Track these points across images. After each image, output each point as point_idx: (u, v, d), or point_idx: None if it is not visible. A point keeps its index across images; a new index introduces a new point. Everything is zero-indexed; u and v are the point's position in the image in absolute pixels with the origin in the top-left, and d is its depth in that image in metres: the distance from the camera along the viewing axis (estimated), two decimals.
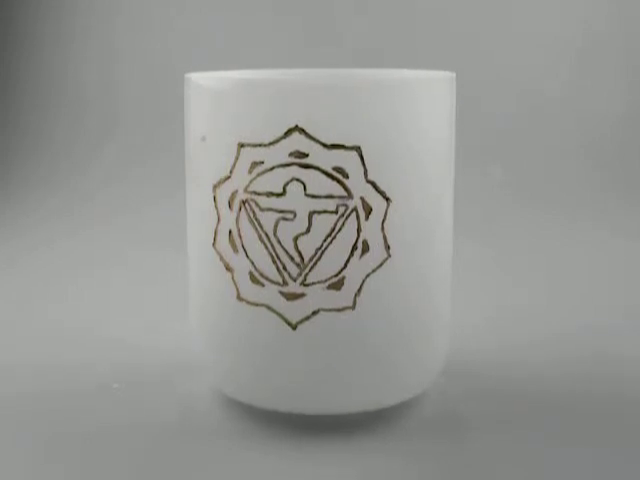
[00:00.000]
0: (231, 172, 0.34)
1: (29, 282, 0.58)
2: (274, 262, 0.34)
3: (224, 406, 0.39)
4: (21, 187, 0.82)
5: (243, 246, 0.34)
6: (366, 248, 0.34)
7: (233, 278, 0.35)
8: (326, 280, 0.34)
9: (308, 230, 0.33)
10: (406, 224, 0.34)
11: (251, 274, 0.34)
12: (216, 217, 0.35)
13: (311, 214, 0.33)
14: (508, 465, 0.34)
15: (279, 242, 0.34)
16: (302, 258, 0.34)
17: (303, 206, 0.33)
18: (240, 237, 0.34)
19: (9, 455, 0.35)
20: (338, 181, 0.33)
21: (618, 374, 0.43)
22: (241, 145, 0.34)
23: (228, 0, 0.87)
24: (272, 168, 0.33)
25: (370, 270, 0.34)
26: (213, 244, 0.35)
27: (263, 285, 0.34)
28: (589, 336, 0.47)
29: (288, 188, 0.33)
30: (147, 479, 0.34)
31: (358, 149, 0.33)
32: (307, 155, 0.33)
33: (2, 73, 0.92)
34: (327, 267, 0.34)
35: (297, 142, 0.33)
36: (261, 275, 0.34)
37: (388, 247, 0.34)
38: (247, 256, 0.34)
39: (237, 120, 0.34)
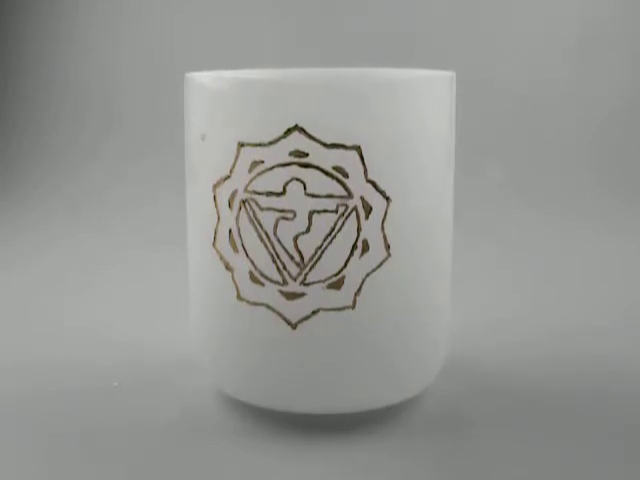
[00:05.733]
0: (231, 171, 0.34)
1: (29, 282, 0.58)
2: (274, 262, 0.34)
3: (224, 405, 0.39)
4: (21, 187, 0.82)
5: (243, 246, 0.34)
6: (366, 248, 0.34)
7: (233, 278, 0.35)
8: (326, 279, 0.34)
9: (308, 229, 0.33)
10: (406, 224, 0.34)
11: (251, 274, 0.34)
12: (216, 217, 0.35)
13: (311, 213, 0.33)
14: (508, 465, 0.34)
15: (279, 241, 0.34)
16: (302, 257, 0.34)
17: (303, 205, 0.33)
18: (240, 237, 0.34)
19: (9, 454, 0.35)
20: (338, 180, 0.33)
21: (618, 373, 0.43)
22: (241, 144, 0.34)
23: (229, 0, 0.87)
24: (272, 167, 0.33)
25: (370, 269, 0.34)
26: (213, 244, 0.35)
27: (263, 285, 0.34)
28: (589, 335, 0.47)
29: (288, 187, 0.33)
30: (147, 478, 0.34)
31: (358, 148, 0.33)
32: (307, 154, 0.33)
33: (2, 73, 0.92)
34: (327, 266, 0.34)
35: (297, 141, 0.33)
36: (261, 275, 0.34)
37: (388, 247, 0.34)
38: (247, 256, 0.34)
39: (237, 119, 0.34)
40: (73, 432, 0.37)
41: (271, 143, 0.33)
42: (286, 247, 0.34)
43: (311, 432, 0.36)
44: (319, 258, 0.34)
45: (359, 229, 0.33)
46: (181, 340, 0.43)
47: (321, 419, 0.37)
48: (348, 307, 0.34)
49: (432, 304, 0.37)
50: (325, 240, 0.33)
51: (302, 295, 0.34)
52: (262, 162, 0.33)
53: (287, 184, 0.33)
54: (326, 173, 0.33)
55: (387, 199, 0.34)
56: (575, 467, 0.34)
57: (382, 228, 0.34)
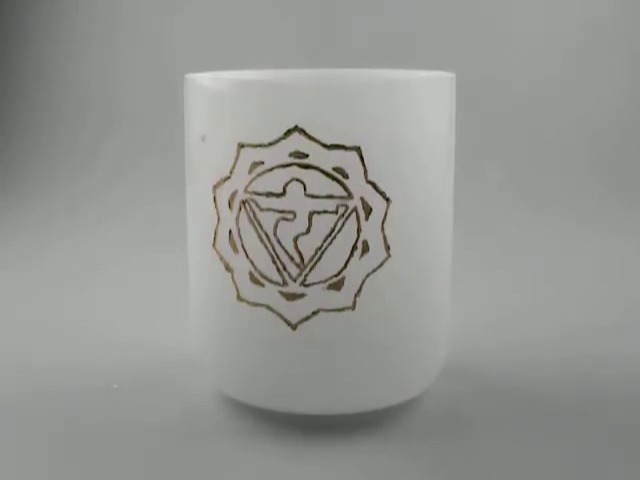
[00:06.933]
0: (231, 172, 0.34)
1: (29, 282, 0.58)
2: (274, 262, 0.34)
3: (224, 406, 0.39)
4: (21, 187, 0.82)
5: (243, 246, 0.34)
6: (366, 248, 0.34)
7: (233, 278, 0.35)
8: (326, 280, 0.34)
9: (308, 230, 0.33)
10: (406, 224, 0.34)
11: (251, 274, 0.34)
12: (216, 217, 0.35)
13: (311, 214, 0.33)
14: (508, 465, 0.34)
15: (279, 242, 0.34)
16: (302, 258, 0.34)
17: (303, 206, 0.33)
18: (240, 237, 0.34)
19: (9, 454, 0.35)
20: (338, 181, 0.33)
21: (618, 373, 0.43)
22: (241, 145, 0.34)
23: (229, 0, 0.87)
24: (272, 168, 0.33)
25: (370, 270, 0.34)
26: (213, 244, 0.35)
27: (263, 285, 0.34)
28: (589, 335, 0.47)
29: (288, 188, 0.33)
30: (147, 478, 0.34)
31: (358, 149, 0.33)
32: (307, 155, 0.33)
33: (2, 73, 0.92)
34: (327, 267, 0.34)
35: (297, 142, 0.33)
36: (261, 275, 0.34)
37: (388, 247, 0.34)
38: (247, 256, 0.34)
39: (237, 120, 0.34)
40: (73, 432, 0.37)
41: (271, 144, 0.33)
42: (286, 248, 0.34)
43: (311, 433, 0.36)
44: (319, 259, 0.34)
45: (359, 230, 0.33)
46: (181, 340, 0.43)
47: (321, 420, 0.37)
48: (348, 308, 0.34)
49: (432, 304, 0.37)
50: (325, 241, 0.33)
51: (302, 296, 0.34)
52: (262, 163, 0.33)
53: (287, 185, 0.33)
54: (326, 174, 0.33)
55: (387, 200, 0.34)
56: (575, 467, 0.34)
57: (382, 229, 0.34)
